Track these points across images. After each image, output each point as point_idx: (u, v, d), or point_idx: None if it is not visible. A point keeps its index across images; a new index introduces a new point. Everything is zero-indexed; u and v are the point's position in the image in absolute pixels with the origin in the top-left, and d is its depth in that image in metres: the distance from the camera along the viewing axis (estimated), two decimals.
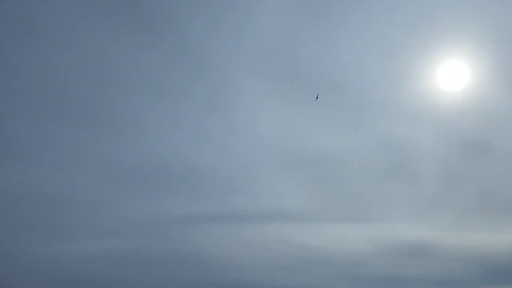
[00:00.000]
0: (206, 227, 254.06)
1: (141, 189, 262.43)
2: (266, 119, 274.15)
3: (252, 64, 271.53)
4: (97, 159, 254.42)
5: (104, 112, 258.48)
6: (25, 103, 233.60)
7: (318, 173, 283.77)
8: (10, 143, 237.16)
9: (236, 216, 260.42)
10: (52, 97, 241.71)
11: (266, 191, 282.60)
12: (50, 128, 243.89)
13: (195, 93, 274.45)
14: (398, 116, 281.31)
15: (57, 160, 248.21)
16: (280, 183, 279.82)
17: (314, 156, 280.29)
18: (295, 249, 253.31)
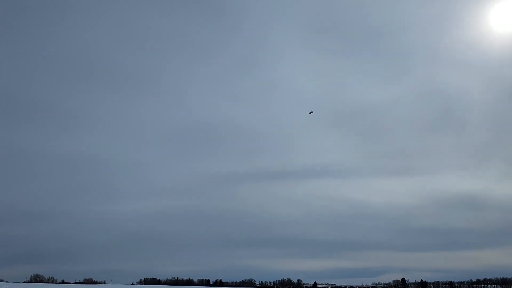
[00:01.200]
0: (250, 185, 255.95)
1: (187, 150, 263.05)
2: (305, 74, 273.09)
3: (290, 19, 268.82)
4: (145, 123, 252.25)
5: (149, 78, 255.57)
6: (75, 74, 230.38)
7: (360, 126, 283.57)
8: (65, 113, 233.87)
9: (279, 174, 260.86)
10: (99, 67, 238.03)
11: (307, 147, 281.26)
12: (100, 97, 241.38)
13: (234, 53, 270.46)
14: (444, 63, 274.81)
15: (108, 126, 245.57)
16: (321, 139, 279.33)
17: (355, 109, 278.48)
18: (337, 204, 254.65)
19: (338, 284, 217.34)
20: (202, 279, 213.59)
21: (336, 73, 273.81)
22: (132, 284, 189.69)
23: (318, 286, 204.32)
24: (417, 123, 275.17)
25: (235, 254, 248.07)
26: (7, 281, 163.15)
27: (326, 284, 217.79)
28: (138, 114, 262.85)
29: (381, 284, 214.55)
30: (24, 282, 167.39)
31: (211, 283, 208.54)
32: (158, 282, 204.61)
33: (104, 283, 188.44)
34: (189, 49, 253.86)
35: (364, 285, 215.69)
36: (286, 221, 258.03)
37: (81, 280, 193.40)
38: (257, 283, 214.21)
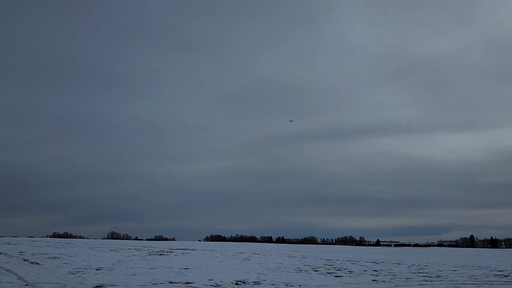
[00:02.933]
0: (308, 144, 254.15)
1: (244, 111, 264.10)
2: (360, 28, 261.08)
3: None
4: (201, 86, 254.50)
5: (204, 40, 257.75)
6: (136, 41, 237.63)
7: (422, 79, 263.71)
8: (131, 80, 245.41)
9: (337, 132, 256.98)
10: (154, 32, 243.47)
11: (366, 103, 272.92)
12: (160, 63, 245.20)
13: (286, 11, 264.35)
14: None
15: (169, 91, 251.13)
16: (380, 94, 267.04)
17: (416, 61, 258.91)
18: (400, 161, 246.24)
19: (401, 242, 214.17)
20: (264, 236, 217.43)
21: (394, 23, 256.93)
22: (199, 240, 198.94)
23: (381, 243, 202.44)
24: (484, 73, 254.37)
25: (296, 212, 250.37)
26: (87, 238, 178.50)
27: (389, 242, 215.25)
28: (195, 78, 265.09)
29: (448, 241, 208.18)
30: (103, 238, 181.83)
31: (273, 240, 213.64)
32: (223, 239, 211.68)
33: (173, 239, 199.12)
34: (242, 9, 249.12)
35: (430, 242, 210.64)
36: (347, 179, 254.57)
37: (153, 237, 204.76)
38: (318, 240, 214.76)
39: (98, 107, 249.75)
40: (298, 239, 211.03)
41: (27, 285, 13.84)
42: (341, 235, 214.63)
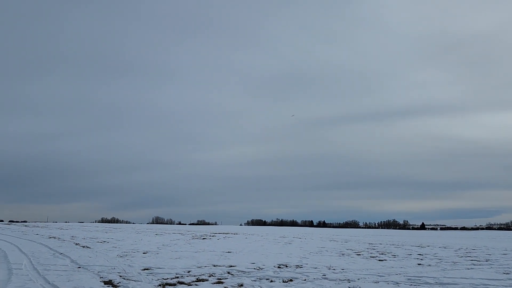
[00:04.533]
0: (347, 127, 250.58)
1: (280, 95, 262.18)
2: (398, 5, 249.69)
3: None
4: (237, 72, 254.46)
5: (238, 27, 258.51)
6: (170, 32, 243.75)
7: (465, 57, 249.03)
8: (164, 69, 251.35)
9: (377, 113, 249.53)
10: (190, 21, 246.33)
11: (407, 84, 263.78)
12: (193, 50, 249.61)
13: None
14: None
15: (202, 78, 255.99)
16: (420, 74, 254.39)
17: (458, 38, 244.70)
18: (444, 142, 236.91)
19: (448, 225, 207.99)
20: (305, 220, 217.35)
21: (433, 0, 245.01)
22: (240, 225, 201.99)
23: (426, 227, 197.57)
24: None
25: (337, 196, 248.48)
26: (133, 223, 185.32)
27: (434, 225, 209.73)
28: (230, 64, 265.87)
29: (497, 224, 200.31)
30: (148, 223, 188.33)
31: (314, 224, 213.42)
32: (264, 223, 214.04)
33: (215, 223, 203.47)
34: None
35: (478, 225, 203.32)
36: (389, 162, 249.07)
37: (195, 222, 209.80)
38: (361, 224, 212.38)
39: (140, 97, 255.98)
40: (339, 223, 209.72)
41: (79, 267, 14.52)
42: (384, 219, 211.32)
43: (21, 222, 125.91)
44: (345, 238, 41.58)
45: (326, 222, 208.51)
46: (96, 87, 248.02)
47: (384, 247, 28.47)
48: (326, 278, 13.09)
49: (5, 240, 28.07)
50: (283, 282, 12.37)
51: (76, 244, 25.85)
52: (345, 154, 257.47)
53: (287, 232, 59.31)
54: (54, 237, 32.87)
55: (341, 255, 21.65)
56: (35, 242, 27.09)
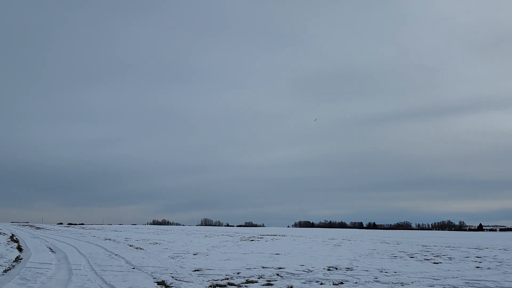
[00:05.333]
0: (397, 126, 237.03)
1: (325, 95, 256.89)
2: None
3: None
4: (281, 73, 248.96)
5: (280, 28, 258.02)
6: (212, 35, 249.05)
7: None
8: (211, 73, 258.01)
9: (428, 111, 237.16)
10: (233, 23, 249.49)
11: (460, 78, 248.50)
12: (236, 53, 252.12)
13: None
14: None
15: (246, 82, 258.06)
16: (476, 67, 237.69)
17: (510, 29, 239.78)
18: (503, 139, 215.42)
19: (508, 226, 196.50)
20: (355, 222, 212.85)
21: None
22: (288, 226, 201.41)
23: (484, 228, 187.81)
24: None
25: (388, 197, 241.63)
26: (183, 225, 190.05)
27: (493, 226, 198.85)
28: (274, 66, 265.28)
29: None
30: (197, 225, 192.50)
31: (364, 226, 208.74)
32: (312, 225, 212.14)
33: (263, 225, 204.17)
34: None
35: None
36: (443, 160, 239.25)
37: (243, 223, 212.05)
38: (413, 225, 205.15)
39: (187, 101, 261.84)
40: (390, 224, 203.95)
41: (134, 268, 15.04)
42: (438, 220, 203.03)
43: (79, 224, 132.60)
44: (397, 240, 40.35)
45: (376, 223, 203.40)
46: (147, 94, 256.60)
47: (439, 249, 27.35)
48: (378, 281, 12.75)
49: (64, 242, 29.61)
50: (334, 284, 12.18)
51: (130, 245, 26.80)
52: (396, 153, 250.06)
53: (336, 234, 58.42)
54: (109, 239, 34.27)
55: (393, 257, 21.02)
56: (92, 243, 28.37)
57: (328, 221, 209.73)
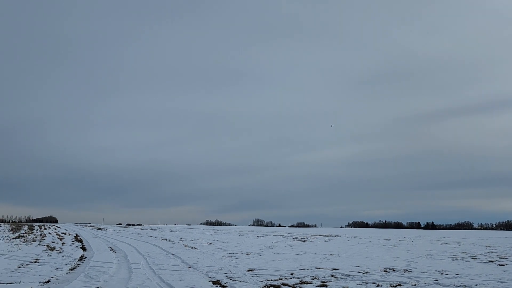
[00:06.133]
0: (453, 121, 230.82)
1: (376, 92, 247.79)
2: None
3: None
4: (329, 72, 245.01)
5: (328, 26, 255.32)
6: (259, 38, 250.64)
7: None
8: (259, 75, 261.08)
9: (482, 105, 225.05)
10: (280, 25, 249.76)
11: None
12: (284, 54, 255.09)
13: None
14: None
15: (295, 81, 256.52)
16: None
17: None
18: None
19: None
20: (411, 222, 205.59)
21: None
22: (341, 227, 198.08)
23: None
24: None
25: (447, 196, 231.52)
26: (235, 225, 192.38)
27: None
28: (323, 65, 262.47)
29: None
30: (249, 225, 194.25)
31: (421, 226, 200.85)
32: (366, 225, 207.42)
33: (315, 226, 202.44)
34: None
35: None
36: (506, 157, 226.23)
37: (294, 224, 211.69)
38: (475, 225, 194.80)
39: (238, 103, 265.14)
40: (450, 224, 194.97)
41: (189, 267, 15.40)
42: (503, 219, 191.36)
43: (137, 225, 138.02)
44: (458, 241, 38.46)
45: (435, 223, 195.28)
46: (195, 98, 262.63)
47: (505, 250, 25.76)
48: (439, 284, 12.20)
49: (124, 242, 30.91)
50: (391, 286, 11.80)
51: (185, 245, 27.50)
52: (454, 150, 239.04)
53: (392, 235, 56.68)
54: (166, 239, 35.36)
55: (454, 259, 20.05)
56: (149, 243, 29.41)
57: (383, 221, 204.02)
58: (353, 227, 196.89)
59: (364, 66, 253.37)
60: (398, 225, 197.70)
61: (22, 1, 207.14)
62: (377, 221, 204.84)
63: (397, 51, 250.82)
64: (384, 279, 12.93)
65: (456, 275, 13.96)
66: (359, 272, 14.65)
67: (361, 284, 12.07)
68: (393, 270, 15.19)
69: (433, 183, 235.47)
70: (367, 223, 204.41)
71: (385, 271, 14.90)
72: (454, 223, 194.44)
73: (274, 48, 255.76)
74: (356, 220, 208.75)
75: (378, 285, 11.95)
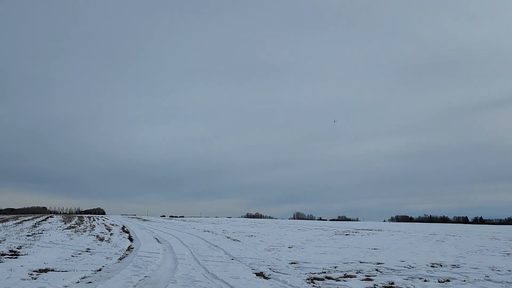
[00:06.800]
0: (502, 112, 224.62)
1: (422, 83, 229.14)
2: None
3: None
4: (372, 63, 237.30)
5: (372, 17, 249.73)
6: (299, 29, 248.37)
7: None
8: (298, 68, 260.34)
9: None
10: (323, 15, 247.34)
11: None
12: (324, 46, 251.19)
13: None
14: None
15: (336, 73, 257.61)
16: None
17: None
18: None
19: None
20: (458, 217, 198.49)
21: None
22: (384, 221, 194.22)
23: None
24: None
25: (497, 189, 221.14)
26: (275, 218, 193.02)
27: None
28: (366, 56, 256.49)
29: None
30: (289, 218, 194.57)
31: (469, 220, 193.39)
32: (410, 220, 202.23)
33: (357, 220, 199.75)
34: None
35: None
36: None
37: (336, 217, 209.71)
38: None
39: (279, 96, 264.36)
40: (500, 219, 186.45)
41: (232, 259, 15.64)
42: None
43: (180, 217, 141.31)
44: (509, 236, 36.76)
45: (483, 218, 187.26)
46: (236, 92, 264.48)
47: None
48: (490, 280, 11.74)
49: (168, 233, 31.78)
50: (439, 282, 11.47)
51: (227, 237, 27.90)
52: (503, 143, 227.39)
53: (438, 229, 54.94)
54: (208, 231, 36.03)
55: (506, 255, 19.20)
56: (193, 235, 30.07)
57: (428, 215, 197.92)
58: (396, 221, 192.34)
59: (409, 55, 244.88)
60: (444, 220, 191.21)
61: (82, 1, 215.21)
62: (422, 216, 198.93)
63: (444, 39, 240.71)
64: (432, 275, 12.59)
65: (508, 272, 13.38)
66: (404, 266, 14.34)
67: (407, 279, 11.82)
68: (441, 266, 14.76)
69: (481, 177, 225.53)
70: (411, 217, 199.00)
71: (432, 266, 14.49)
72: (504, 218, 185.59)
73: (314, 38, 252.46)
74: (400, 214, 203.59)
75: (425, 280, 11.65)
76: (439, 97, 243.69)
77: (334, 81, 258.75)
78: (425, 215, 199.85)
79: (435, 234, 38.09)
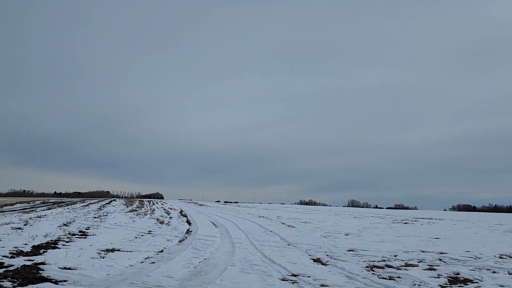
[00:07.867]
0: None
1: (483, 65, 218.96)
2: None
3: None
4: (428, 45, 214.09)
5: None
6: (356, 12, 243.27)
7: None
8: (352, 52, 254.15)
9: None
10: None
11: None
12: (376, 28, 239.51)
13: None
14: None
15: (391, 56, 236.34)
16: None
17: None
18: None
19: None
20: None
21: None
22: (444, 210, 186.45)
23: None
24: None
25: None
26: (329, 205, 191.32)
27: None
28: (420, 37, 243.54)
29: None
30: (343, 206, 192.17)
31: None
32: (473, 209, 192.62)
33: (415, 208, 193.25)
34: None
35: None
36: None
37: (392, 206, 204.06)
38: None
39: (333, 81, 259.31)
40: None
41: (289, 244, 15.66)
42: None
43: (234, 202, 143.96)
44: None
45: None
46: (291, 78, 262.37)
47: None
48: None
49: (224, 218, 32.45)
50: (509, 274, 10.79)
51: (282, 223, 28.00)
52: None
53: (504, 219, 51.85)
54: (263, 216, 36.37)
55: None
56: (248, 220, 30.49)
57: (494, 205, 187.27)
58: (458, 210, 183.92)
59: (471, 36, 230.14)
60: (510, 209, 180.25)
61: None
62: (486, 205, 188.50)
63: (509, 16, 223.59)
64: (501, 266, 11.88)
65: None
66: (470, 257, 13.66)
67: (473, 270, 11.24)
68: (510, 257, 13.89)
69: None
70: (474, 206, 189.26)
71: (500, 257, 13.69)
72: None
73: (372, 21, 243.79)
74: (462, 203, 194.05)
75: (493, 272, 11.02)
76: (504, 80, 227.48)
77: (391, 65, 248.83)
78: (490, 204, 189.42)
79: (501, 224, 35.98)
